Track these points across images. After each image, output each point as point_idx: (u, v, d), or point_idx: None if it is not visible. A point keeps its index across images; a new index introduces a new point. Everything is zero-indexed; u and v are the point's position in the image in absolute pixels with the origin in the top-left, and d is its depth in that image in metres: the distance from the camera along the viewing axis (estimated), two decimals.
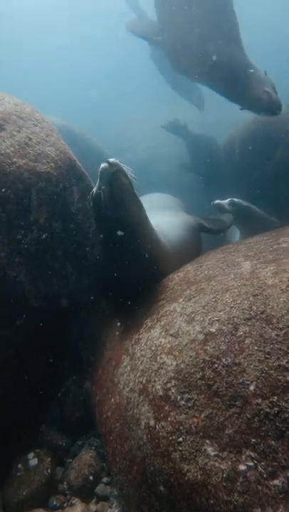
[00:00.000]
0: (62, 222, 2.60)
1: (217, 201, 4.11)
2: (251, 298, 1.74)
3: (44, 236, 2.50)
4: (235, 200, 4.08)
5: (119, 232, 2.39)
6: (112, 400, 2.10)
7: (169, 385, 1.73)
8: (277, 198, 5.14)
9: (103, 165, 2.21)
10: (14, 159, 2.46)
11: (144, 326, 2.15)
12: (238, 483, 1.39)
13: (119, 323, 2.64)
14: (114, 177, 2.21)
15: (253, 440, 1.39)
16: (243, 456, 1.38)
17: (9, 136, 2.53)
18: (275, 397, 1.47)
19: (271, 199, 5.19)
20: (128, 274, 2.59)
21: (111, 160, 2.21)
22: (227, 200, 4.08)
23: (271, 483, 1.36)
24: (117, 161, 2.23)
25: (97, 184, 2.34)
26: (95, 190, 2.38)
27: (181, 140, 8.24)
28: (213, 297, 1.86)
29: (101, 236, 2.56)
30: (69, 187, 2.70)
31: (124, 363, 2.12)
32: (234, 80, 3.90)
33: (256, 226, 4.35)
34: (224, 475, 1.42)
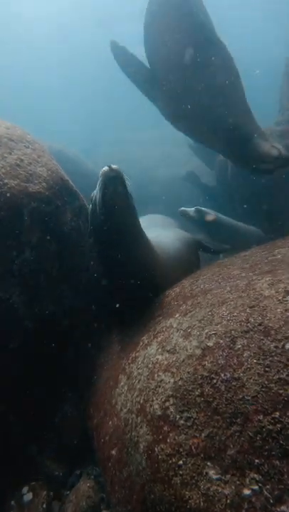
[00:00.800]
0: (55, 241, 2.58)
1: (182, 208, 4.18)
2: (248, 310, 1.70)
3: (37, 256, 2.47)
4: (201, 208, 4.14)
5: (110, 237, 2.45)
6: (110, 422, 2.01)
7: (167, 403, 1.66)
8: (269, 215, 5.17)
9: (105, 168, 2.29)
10: (6, 180, 2.46)
11: (141, 343, 2.09)
12: (243, 511, 1.30)
13: (116, 343, 2.58)
14: (110, 182, 2.27)
15: (257, 461, 1.32)
16: (247, 479, 1.31)
17: (0, 159, 2.55)
18: (277, 413, 1.40)
19: (263, 215, 5.23)
20: (122, 283, 2.60)
21: (113, 166, 2.28)
22: (193, 208, 4.15)
23: (278, 509, 1.27)
24: (118, 169, 2.29)
25: (97, 187, 2.40)
26: (94, 192, 2.44)
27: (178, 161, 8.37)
28: (210, 311, 1.82)
29: (96, 244, 2.62)
30: (62, 206, 2.69)
31: (122, 383, 2.05)
32: (241, 143, 3.54)
33: (224, 234, 4.40)
34: (228, 501, 1.34)
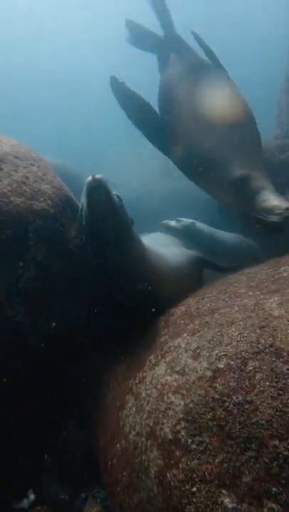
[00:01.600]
0: (60, 259, 2.57)
1: (164, 221, 4.20)
2: (258, 330, 1.69)
3: (42, 274, 2.46)
4: (181, 218, 4.16)
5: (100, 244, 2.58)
6: (118, 445, 1.98)
7: (178, 427, 1.64)
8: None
9: (89, 178, 2.42)
10: (11, 198, 2.46)
11: (148, 363, 2.07)
12: None
13: (121, 360, 2.55)
14: (93, 190, 2.39)
15: (274, 489, 1.29)
16: (265, 509, 1.28)
17: (6, 176, 2.55)
18: None
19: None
20: (119, 291, 2.67)
21: (97, 175, 2.40)
22: (174, 220, 4.17)
23: None
24: (102, 178, 2.41)
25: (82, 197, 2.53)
26: (81, 201, 2.56)
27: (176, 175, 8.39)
28: (219, 331, 1.81)
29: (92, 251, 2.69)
30: (66, 224, 2.69)
31: (129, 404, 2.02)
32: (250, 196, 3.25)
33: (206, 243, 4.40)
34: None
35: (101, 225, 2.52)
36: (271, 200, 2.96)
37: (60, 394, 2.63)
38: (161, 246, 3.55)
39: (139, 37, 5.39)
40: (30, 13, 23.83)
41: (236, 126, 3.66)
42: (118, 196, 2.59)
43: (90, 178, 2.39)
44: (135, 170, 10.98)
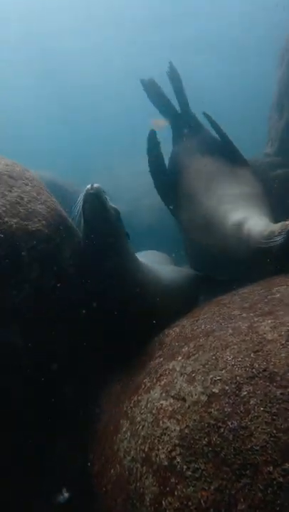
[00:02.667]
0: (54, 279, 2.57)
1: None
2: (252, 354, 1.71)
3: (36, 295, 2.46)
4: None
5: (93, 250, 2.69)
6: (112, 470, 1.96)
7: (174, 453, 1.64)
8: None
9: (87, 186, 2.59)
10: (6, 219, 2.47)
11: (143, 386, 2.07)
12: None
13: (115, 381, 2.55)
14: (89, 197, 2.56)
15: None
16: None
17: (1, 197, 2.57)
18: (287, 464, 1.40)
19: None
20: (112, 302, 2.73)
21: (95, 184, 2.58)
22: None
23: None
24: (99, 187, 2.59)
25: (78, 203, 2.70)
26: (76, 207, 2.73)
27: None
28: (213, 355, 1.83)
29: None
30: (60, 244, 2.70)
31: (124, 428, 2.01)
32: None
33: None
34: None
35: (96, 233, 2.67)
36: (269, 226, 2.96)
37: (53, 416, 2.60)
38: (157, 263, 3.58)
39: (155, 98, 5.84)
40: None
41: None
42: (115, 208, 2.71)
43: (88, 186, 2.56)
44: (125, 183, 11.05)
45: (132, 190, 10.75)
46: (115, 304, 2.66)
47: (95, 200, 2.57)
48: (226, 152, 4.55)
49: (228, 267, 3.40)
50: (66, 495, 2.37)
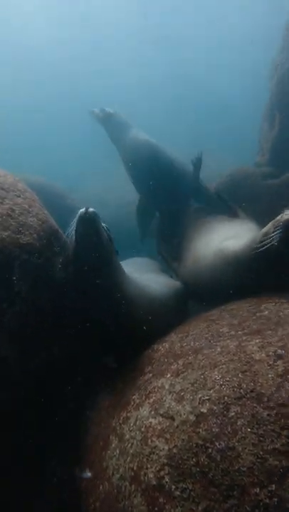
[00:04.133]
0: (45, 293, 2.57)
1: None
2: (240, 374, 1.74)
3: (27, 308, 2.45)
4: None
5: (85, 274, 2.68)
6: (101, 487, 1.97)
7: (162, 472, 1.65)
8: None
9: (81, 210, 2.55)
10: None
11: (132, 402, 2.08)
12: None
13: (105, 396, 2.55)
14: (84, 222, 2.52)
15: None
16: None
17: None
18: (274, 486, 1.43)
19: None
20: (100, 322, 2.75)
21: (90, 209, 2.54)
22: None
23: None
24: (94, 211, 2.55)
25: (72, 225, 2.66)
26: (70, 230, 2.69)
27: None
28: (202, 374, 1.85)
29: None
30: (51, 257, 2.70)
31: (113, 445, 2.02)
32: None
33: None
34: None
35: (87, 255, 2.65)
36: (259, 231, 2.84)
37: (44, 430, 2.59)
38: (146, 273, 3.60)
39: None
40: None
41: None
42: (107, 228, 2.71)
43: (82, 210, 2.52)
44: (114, 191, 11.06)
45: (120, 198, 10.77)
46: (104, 319, 2.67)
47: (92, 228, 2.54)
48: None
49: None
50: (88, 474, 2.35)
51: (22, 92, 26.00)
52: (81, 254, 2.70)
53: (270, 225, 2.72)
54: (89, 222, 2.53)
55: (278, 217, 2.62)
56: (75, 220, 2.59)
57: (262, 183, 5.83)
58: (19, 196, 2.87)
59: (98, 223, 2.57)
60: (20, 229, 2.61)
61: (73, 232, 2.64)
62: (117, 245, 2.90)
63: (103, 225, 2.67)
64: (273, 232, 2.60)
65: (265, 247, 2.66)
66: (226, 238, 3.37)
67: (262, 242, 2.70)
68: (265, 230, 2.76)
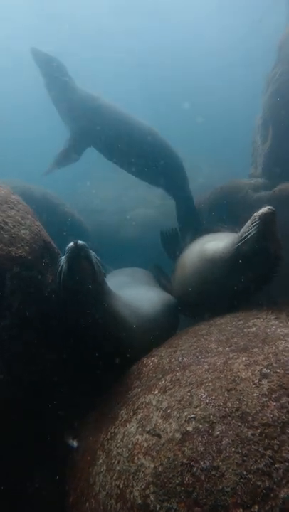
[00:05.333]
0: (36, 306, 2.58)
1: None
2: (226, 393, 1.76)
3: (17, 322, 2.46)
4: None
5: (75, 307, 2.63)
6: (87, 504, 1.97)
7: (147, 491, 1.66)
8: None
9: (70, 244, 2.46)
10: None
11: (120, 418, 2.09)
12: None
13: (92, 409, 2.56)
14: (75, 259, 2.43)
15: None
16: None
17: None
18: (256, 507, 1.44)
19: None
20: (90, 350, 2.71)
21: (79, 242, 2.44)
22: None
23: None
24: (84, 244, 2.46)
25: (62, 259, 2.57)
26: (61, 263, 2.58)
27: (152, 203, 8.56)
28: (188, 391, 1.87)
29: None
30: (43, 270, 2.72)
31: (100, 461, 2.03)
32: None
33: None
34: None
35: (78, 290, 2.57)
36: (243, 228, 2.99)
37: (31, 443, 2.58)
38: (137, 286, 3.61)
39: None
40: None
41: None
42: (96, 258, 2.61)
43: (71, 244, 2.43)
44: (112, 196, 11.13)
45: (119, 203, 10.84)
46: (93, 337, 2.66)
47: (83, 263, 2.46)
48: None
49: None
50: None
51: None
52: (72, 290, 2.59)
53: (248, 222, 2.91)
54: (80, 258, 2.44)
55: (255, 214, 2.84)
56: (66, 255, 2.48)
57: (253, 196, 5.90)
58: (12, 208, 2.89)
59: (90, 257, 2.47)
60: (13, 241, 2.63)
61: (64, 266, 2.52)
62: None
63: (93, 254, 2.55)
64: (252, 226, 2.81)
65: (244, 239, 2.85)
66: (208, 241, 3.53)
67: (241, 237, 2.90)
68: (244, 227, 2.95)
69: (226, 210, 5.67)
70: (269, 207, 2.82)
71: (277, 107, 6.20)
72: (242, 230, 2.95)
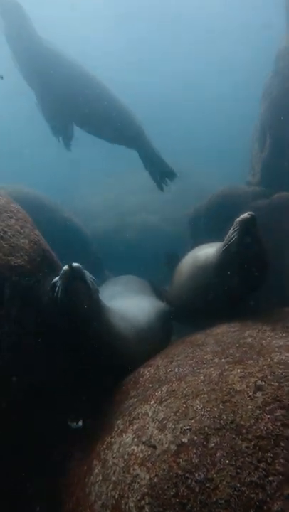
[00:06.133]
0: (34, 314, 2.61)
1: None
2: (221, 405, 1.79)
3: (16, 330, 2.48)
4: None
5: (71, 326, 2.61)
6: None
7: (142, 502, 1.68)
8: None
9: (65, 267, 2.43)
10: None
11: (116, 428, 2.12)
12: None
13: (90, 417, 2.57)
14: (70, 285, 2.41)
15: None
16: None
17: None
18: None
19: None
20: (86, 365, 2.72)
21: (74, 265, 2.42)
22: None
23: None
24: (79, 267, 2.44)
25: (58, 281, 2.51)
26: (56, 284, 2.51)
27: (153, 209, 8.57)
28: (184, 402, 1.90)
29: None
30: (41, 279, 2.74)
31: (96, 471, 2.04)
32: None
33: None
34: None
35: (74, 312, 2.57)
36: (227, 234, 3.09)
37: (28, 450, 2.60)
38: (132, 295, 3.64)
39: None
40: None
41: None
42: (91, 277, 2.60)
43: (66, 267, 2.41)
44: (112, 202, 11.19)
45: (119, 207, 10.89)
46: (89, 349, 2.68)
47: (79, 287, 2.44)
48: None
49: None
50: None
51: None
52: (68, 313, 2.57)
53: (231, 228, 3.07)
54: (75, 281, 2.42)
55: (236, 219, 3.00)
56: (61, 277, 2.46)
57: (252, 204, 5.94)
58: (12, 217, 2.92)
59: (85, 279, 2.46)
60: (12, 251, 2.66)
61: (59, 290, 2.48)
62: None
63: (87, 274, 2.53)
64: (233, 231, 2.98)
65: (228, 244, 3.02)
66: (200, 249, 3.69)
67: (225, 243, 3.08)
68: (228, 234, 3.10)
69: (224, 217, 5.71)
70: (249, 212, 2.97)
71: (274, 115, 6.27)
72: (226, 236, 3.13)
